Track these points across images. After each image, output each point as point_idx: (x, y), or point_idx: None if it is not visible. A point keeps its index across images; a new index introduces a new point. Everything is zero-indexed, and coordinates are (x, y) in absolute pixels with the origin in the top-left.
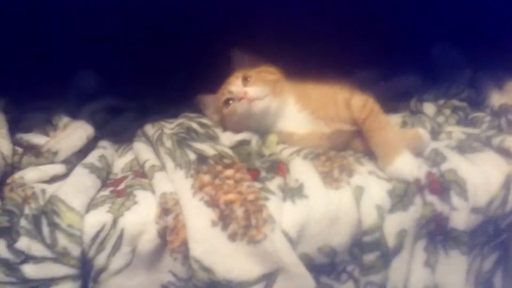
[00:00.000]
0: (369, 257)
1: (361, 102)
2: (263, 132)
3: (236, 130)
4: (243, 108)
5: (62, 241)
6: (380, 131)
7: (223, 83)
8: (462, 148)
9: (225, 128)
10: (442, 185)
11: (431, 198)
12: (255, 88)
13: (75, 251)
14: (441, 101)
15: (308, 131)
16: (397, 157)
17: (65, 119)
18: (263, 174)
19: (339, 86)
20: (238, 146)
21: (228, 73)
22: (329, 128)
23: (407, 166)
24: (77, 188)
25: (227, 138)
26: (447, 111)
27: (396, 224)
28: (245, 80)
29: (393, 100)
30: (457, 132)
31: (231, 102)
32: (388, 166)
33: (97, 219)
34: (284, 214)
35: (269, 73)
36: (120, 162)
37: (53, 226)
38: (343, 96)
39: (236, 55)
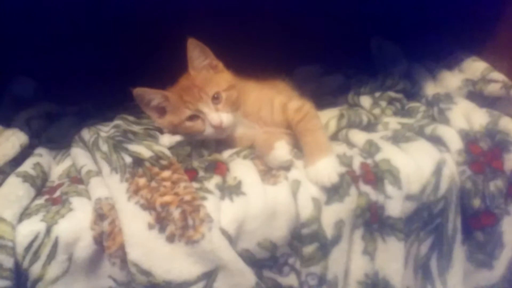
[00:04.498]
0: (309, 249)
1: (297, 105)
2: None
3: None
4: (212, 132)
5: None
6: (311, 132)
7: (178, 81)
8: (396, 138)
9: (169, 132)
10: (376, 175)
11: (365, 188)
12: (227, 115)
13: (8, 262)
14: (377, 94)
15: (241, 132)
16: (320, 159)
17: None
18: (201, 173)
19: (279, 90)
20: (177, 147)
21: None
22: (260, 130)
23: (327, 170)
24: (8, 198)
25: (167, 139)
26: (383, 103)
27: (333, 215)
28: (215, 98)
29: (332, 95)
30: (393, 122)
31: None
32: (310, 166)
33: (29, 228)
34: (222, 212)
35: (231, 86)
36: (58, 169)
37: None
38: (281, 100)
39: (192, 46)
